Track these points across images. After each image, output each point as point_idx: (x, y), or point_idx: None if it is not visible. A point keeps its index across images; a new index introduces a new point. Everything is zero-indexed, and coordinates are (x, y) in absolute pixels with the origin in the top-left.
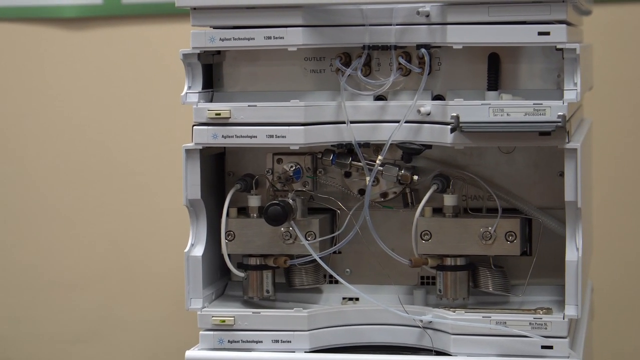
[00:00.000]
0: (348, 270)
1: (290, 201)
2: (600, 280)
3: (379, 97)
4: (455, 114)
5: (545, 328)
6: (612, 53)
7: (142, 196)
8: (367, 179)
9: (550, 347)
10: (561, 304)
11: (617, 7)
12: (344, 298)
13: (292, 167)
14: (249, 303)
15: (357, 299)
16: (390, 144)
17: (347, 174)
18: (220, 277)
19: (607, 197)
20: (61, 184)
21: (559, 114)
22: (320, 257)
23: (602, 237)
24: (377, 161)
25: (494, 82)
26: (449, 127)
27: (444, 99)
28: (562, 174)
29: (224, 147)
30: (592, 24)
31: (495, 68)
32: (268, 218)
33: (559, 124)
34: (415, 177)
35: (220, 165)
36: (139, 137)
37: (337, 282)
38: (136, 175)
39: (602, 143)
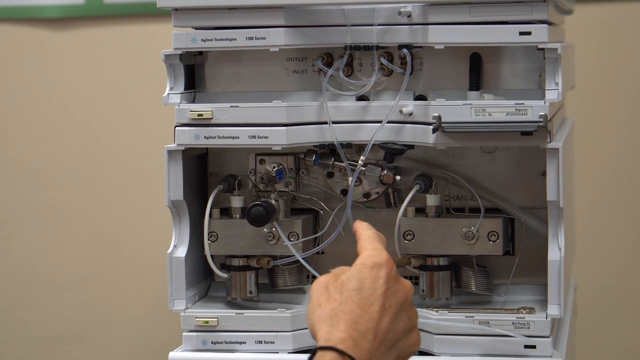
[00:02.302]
0: (330, 270)
1: (273, 202)
2: (583, 279)
3: (361, 98)
4: (437, 114)
5: (528, 327)
6: (595, 52)
7: (125, 197)
8: (350, 179)
9: (533, 347)
10: (544, 303)
11: (599, 6)
12: None
13: (274, 167)
14: (232, 304)
15: None
16: (373, 144)
17: (330, 175)
18: (204, 278)
19: (590, 196)
20: (44, 184)
21: (541, 113)
22: (303, 258)
23: (586, 236)
24: (360, 161)
25: (476, 82)
26: (431, 127)
27: (426, 99)
28: (544, 174)
29: (207, 148)
30: (574, 23)
31: (476, 68)
32: (251, 219)
33: (541, 123)
34: (398, 178)
35: (203, 166)
36: (122, 138)
37: None
38: (118, 175)
39: (584, 142)
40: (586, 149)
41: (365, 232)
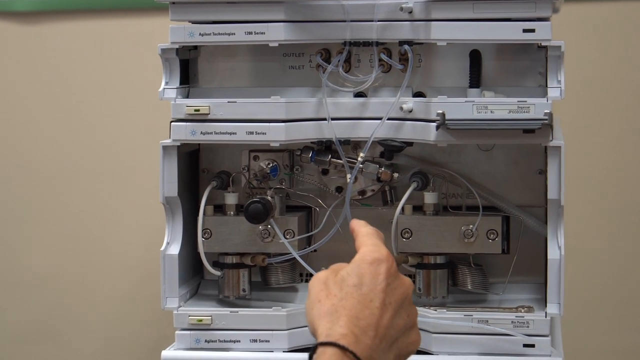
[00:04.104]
0: (324, 268)
1: (270, 199)
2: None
3: (357, 94)
4: (441, 111)
5: (527, 326)
6: (574, 51)
7: (111, 193)
8: (348, 176)
9: (532, 346)
10: (539, 302)
11: (580, 5)
12: None
13: (269, 164)
14: (224, 302)
15: None
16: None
17: (325, 172)
18: (194, 276)
19: (572, 196)
20: (28, 181)
21: (546, 111)
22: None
23: (567, 236)
24: (359, 158)
25: (476, 80)
26: (434, 124)
27: (424, 96)
28: (541, 172)
29: (199, 144)
30: (555, 22)
31: (477, 65)
32: (249, 216)
33: (546, 121)
34: (396, 175)
35: (194, 162)
36: (99, 134)
37: None
38: (106, 172)
39: (567, 142)
40: (570, 149)
41: (363, 229)
